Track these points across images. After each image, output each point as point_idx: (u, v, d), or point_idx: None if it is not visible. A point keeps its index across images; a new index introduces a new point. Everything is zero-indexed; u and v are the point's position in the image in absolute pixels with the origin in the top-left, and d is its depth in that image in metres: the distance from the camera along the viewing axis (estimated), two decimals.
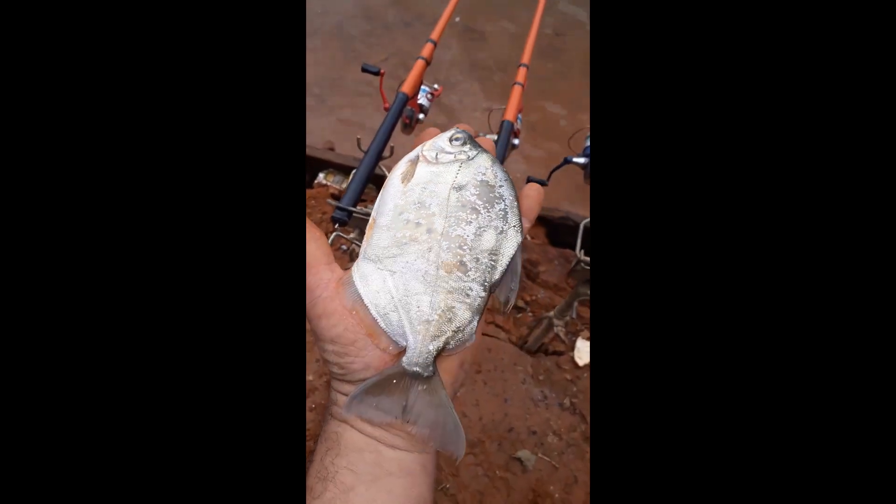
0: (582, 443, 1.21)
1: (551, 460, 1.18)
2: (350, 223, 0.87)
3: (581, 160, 1.13)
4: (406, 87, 0.99)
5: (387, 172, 0.93)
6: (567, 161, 1.14)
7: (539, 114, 2.78)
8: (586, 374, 1.31)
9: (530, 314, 1.45)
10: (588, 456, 1.19)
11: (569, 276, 1.42)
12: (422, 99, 1.17)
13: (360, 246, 0.96)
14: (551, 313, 1.10)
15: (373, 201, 0.41)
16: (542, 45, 3.36)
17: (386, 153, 0.91)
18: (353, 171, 0.85)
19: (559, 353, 1.34)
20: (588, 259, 0.83)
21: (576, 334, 1.38)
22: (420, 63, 1.04)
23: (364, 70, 1.14)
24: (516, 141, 1.17)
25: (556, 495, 1.14)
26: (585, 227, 0.91)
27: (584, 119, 1.02)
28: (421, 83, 1.08)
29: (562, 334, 1.08)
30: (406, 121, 1.17)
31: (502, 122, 1.00)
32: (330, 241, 0.83)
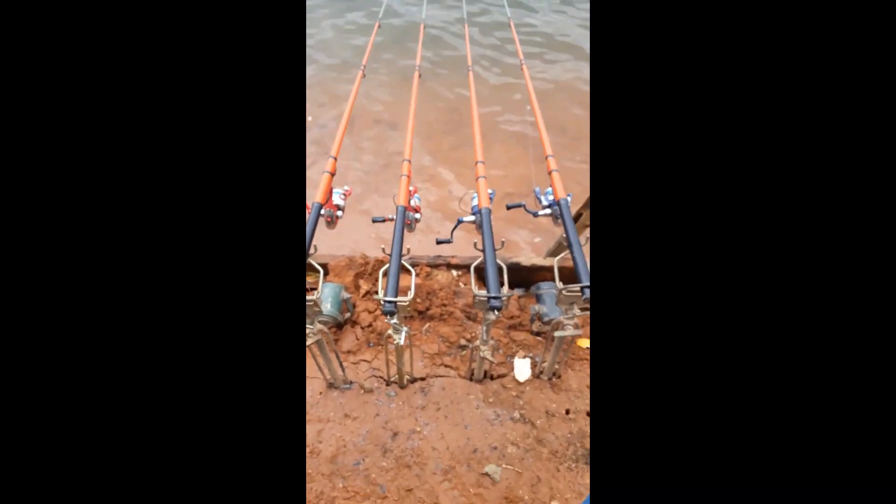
0: (536, 446, 1.41)
1: (514, 468, 1.37)
2: None
3: (470, 218, 1.43)
4: (318, 198, 1.28)
5: (316, 265, 1.17)
6: (460, 221, 1.44)
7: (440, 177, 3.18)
8: (527, 388, 1.54)
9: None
10: (544, 455, 1.39)
11: (473, 309, 1.69)
12: (337, 199, 1.47)
13: (309, 328, 1.18)
14: (476, 343, 1.34)
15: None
16: (444, 119, 3.86)
17: (311, 251, 1.17)
18: None
19: (502, 376, 1.57)
20: (482, 292, 1.10)
21: (513, 355, 1.62)
22: (326, 176, 1.34)
23: None
24: (418, 215, 1.47)
25: (526, 497, 1.32)
26: (475, 268, 1.18)
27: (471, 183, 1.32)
28: (331, 190, 1.38)
29: (489, 356, 1.31)
30: (328, 220, 1.45)
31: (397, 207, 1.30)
32: None
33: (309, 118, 3.89)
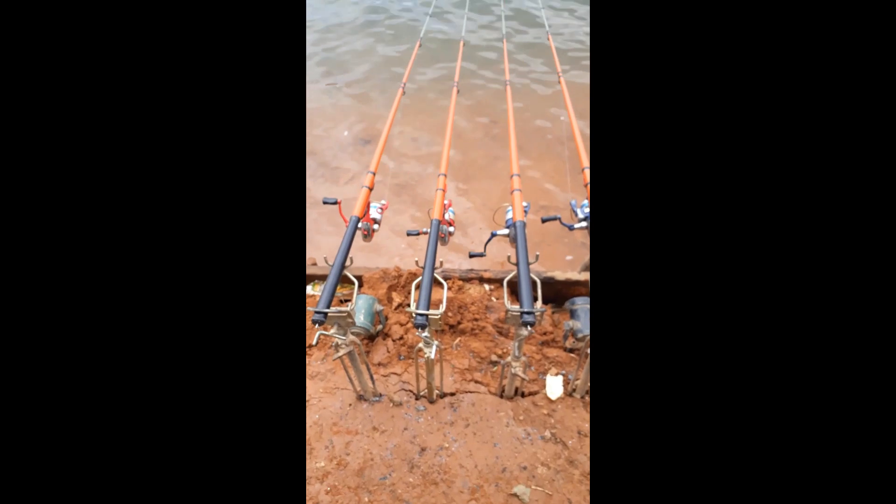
0: (567, 467, 1.37)
1: (544, 489, 1.33)
2: (328, 321, 1.13)
3: (504, 231, 1.43)
4: (356, 212, 1.32)
5: (352, 277, 1.21)
6: (493, 235, 1.45)
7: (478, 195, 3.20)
8: (559, 406, 1.50)
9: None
10: (576, 477, 1.34)
11: (505, 324, 1.67)
12: (374, 213, 1.50)
13: (341, 339, 1.21)
14: (508, 359, 1.32)
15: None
16: (479, 135, 3.90)
17: (348, 262, 1.20)
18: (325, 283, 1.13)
19: (534, 393, 1.54)
20: (515, 307, 1.09)
21: (545, 372, 1.59)
22: (365, 191, 1.38)
23: (325, 203, 1.48)
24: (452, 229, 1.49)
25: None
26: (508, 282, 1.18)
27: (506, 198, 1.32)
28: (368, 204, 1.41)
29: (520, 373, 1.29)
30: (365, 233, 1.49)
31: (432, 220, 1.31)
32: (315, 340, 1.09)
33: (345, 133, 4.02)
